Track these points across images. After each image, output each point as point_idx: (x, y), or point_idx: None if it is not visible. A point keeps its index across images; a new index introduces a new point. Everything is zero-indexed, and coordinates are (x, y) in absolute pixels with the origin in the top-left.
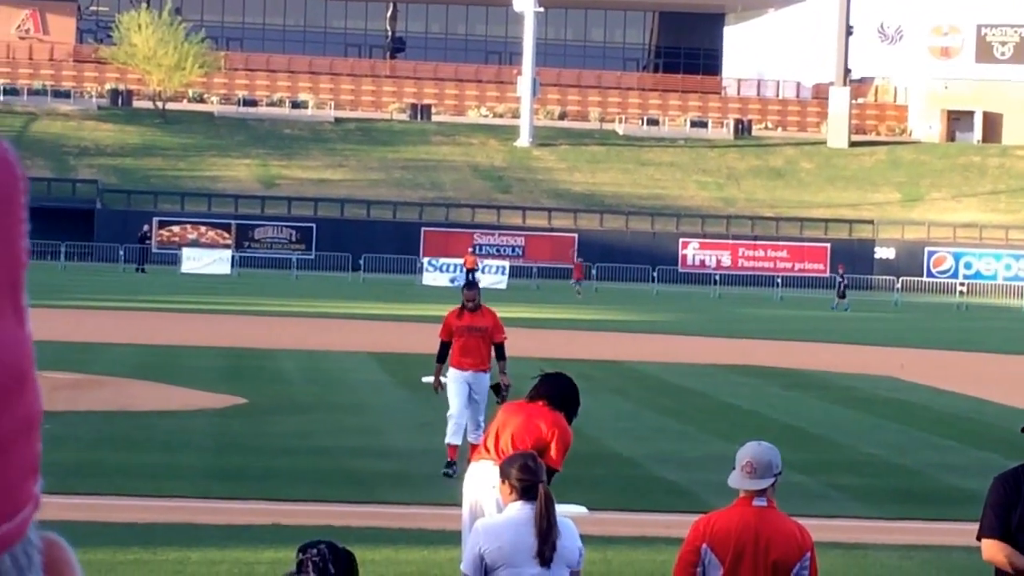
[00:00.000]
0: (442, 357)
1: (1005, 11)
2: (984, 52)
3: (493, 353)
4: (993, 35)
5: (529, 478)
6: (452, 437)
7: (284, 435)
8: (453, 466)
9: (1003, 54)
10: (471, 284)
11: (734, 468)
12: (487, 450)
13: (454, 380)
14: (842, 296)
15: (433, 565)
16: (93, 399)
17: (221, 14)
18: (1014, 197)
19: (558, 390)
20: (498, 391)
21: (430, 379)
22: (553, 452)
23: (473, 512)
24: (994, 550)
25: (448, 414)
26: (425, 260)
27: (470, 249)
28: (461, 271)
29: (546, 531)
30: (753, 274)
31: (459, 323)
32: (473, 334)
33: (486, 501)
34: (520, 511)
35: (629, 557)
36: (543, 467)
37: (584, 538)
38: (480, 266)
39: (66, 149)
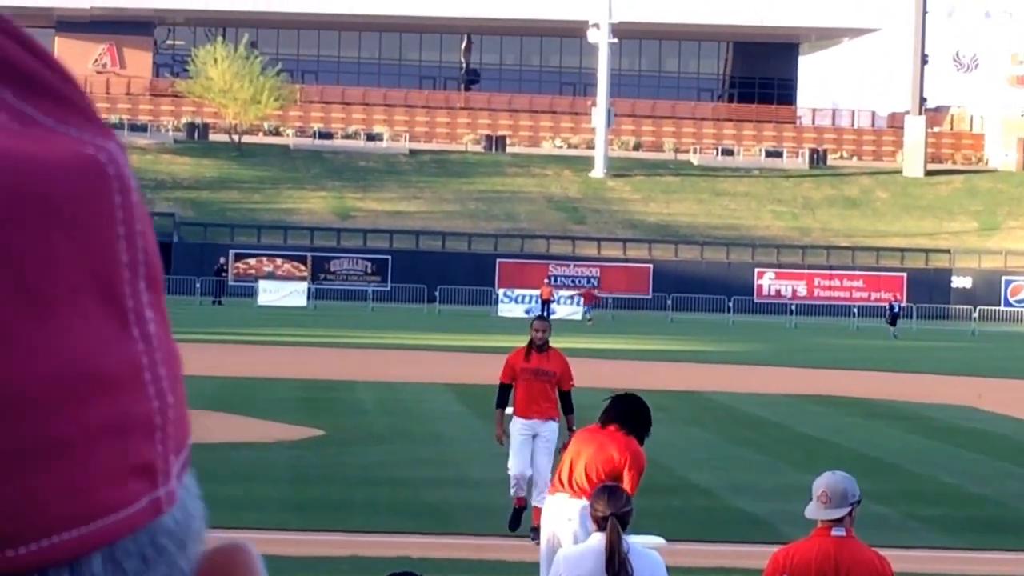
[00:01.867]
0: (502, 402)
1: None
2: None
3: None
4: None
5: (602, 510)
6: (516, 492)
7: (361, 466)
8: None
9: None
10: (543, 316)
11: (810, 499)
12: (561, 483)
13: (516, 431)
14: (892, 323)
15: None
16: None
17: (296, 47)
18: None
19: (629, 411)
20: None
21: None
22: (627, 479)
23: (551, 545)
24: None
25: (509, 472)
26: (500, 291)
27: (546, 280)
28: (537, 302)
29: (610, 563)
30: (829, 304)
31: (524, 366)
32: (539, 379)
33: (563, 533)
34: (598, 542)
35: None
36: (621, 498)
37: None
38: (556, 297)
39: (143, 183)
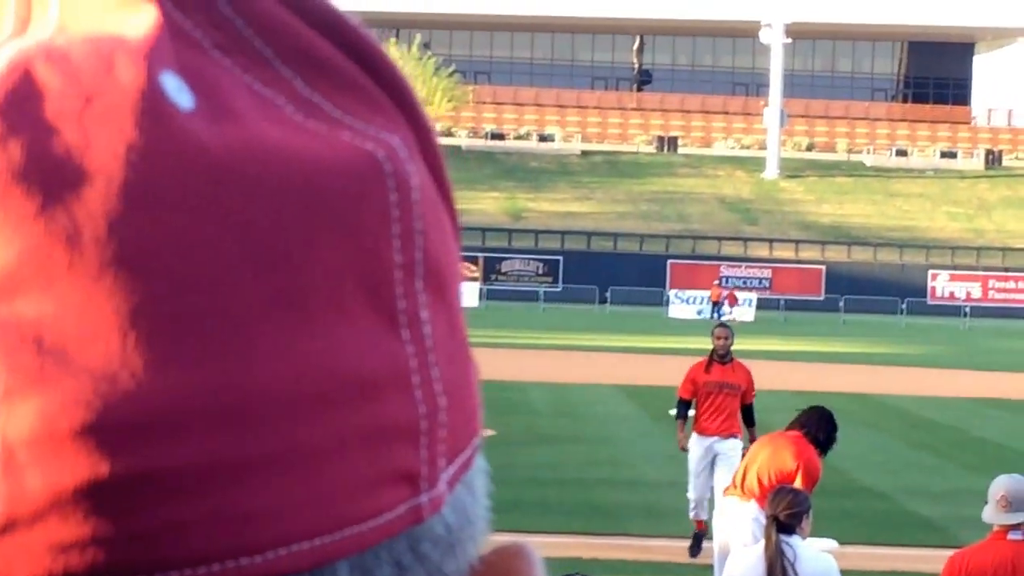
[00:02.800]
0: (683, 415)
1: None
2: None
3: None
4: None
5: (768, 511)
6: (695, 515)
7: (532, 466)
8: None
9: None
10: (724, 324)
11: (987, 502)
12: (735, 486)
13: (695, 452)
14: None
15: None
16: None
17: (469, 48)
18: None
19: (814, 418)
20: None
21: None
22: (799, 484)
23: (723, 549)
24: None
25: (688, 496)
26: (672, 292)
27: (716, 281)
28: (707, 303)
29: (771, 568)
30: (1004, 306)
31: (706, 378)
32: (723, 392)
33: (734, 536)
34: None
35: None
36: (784, 499)
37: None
38: (722, 299)
39: None
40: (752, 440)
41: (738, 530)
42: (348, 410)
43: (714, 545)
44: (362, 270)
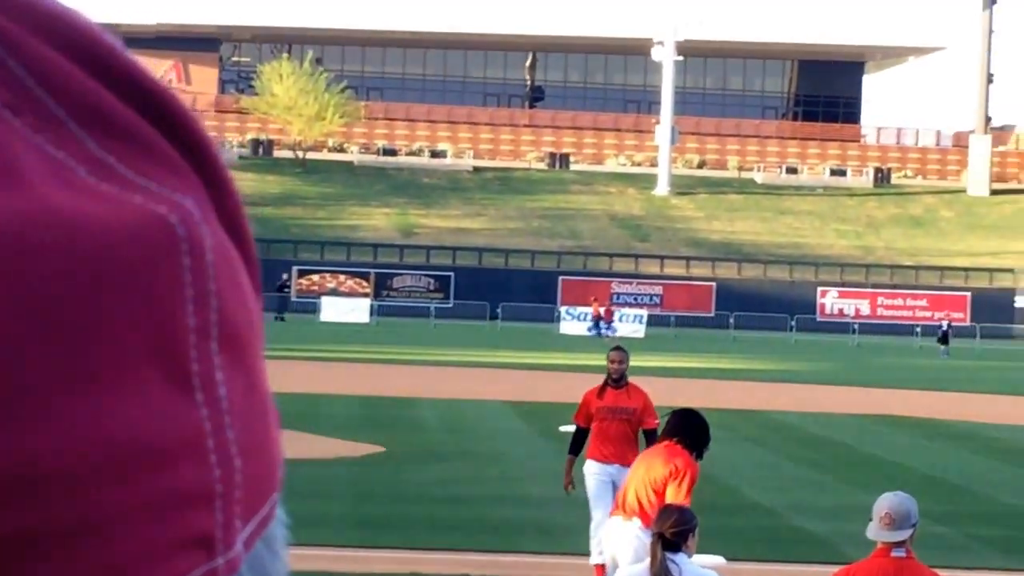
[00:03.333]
0: (576, 447)
1: None
2: None
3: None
4: None
5: (653, 529)
6: (598, 556)
7: (423, 483)
8: None
9: None
10: (620, 347)
11: (871, 519)
12: (617, 506)
13: (594, 476)
14: (944, 343)
15: None
16: None
17: (361, 64)
18: None
19: (684, 425)
20: None
21: (568, 428)
22: (675, 491)
23: (611, 566)
24: None
25: (592, 525)
26: (563, 309)
27: (593, 298)
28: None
29: None
30: (892, 323)
31: (600, 403)
32: (617, 417)
33: (620, 554)
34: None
35: None
36: (669, 518)
37: None
38: (600, 314)
39: None
40: None
41: (623, 548)
42: (140, 479)
43: (607, 564)
44: (154, 336)
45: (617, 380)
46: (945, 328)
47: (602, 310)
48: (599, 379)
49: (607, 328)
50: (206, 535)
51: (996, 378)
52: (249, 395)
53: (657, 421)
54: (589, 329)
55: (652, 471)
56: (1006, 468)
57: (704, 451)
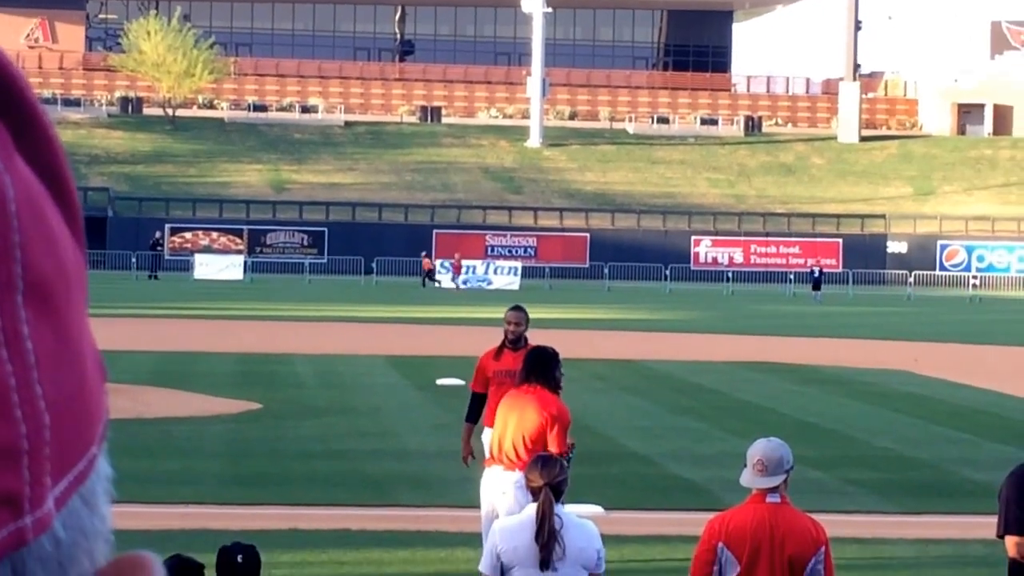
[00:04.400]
0: (474, 415)
1: (1018, 5)
2: (996, 45)
3: None
4: (1005, 28)
5: (536, 481)
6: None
7: (300, 439)
8: None
9: (1015, 47)
10: (518, 307)
11: (745, 466)
12: (493, 455)
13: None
14: (816, 288)
15: (451, 567)
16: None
17: (230, 20)
18: None
19: (537, 363)
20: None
21: (445, 382)
22: (553, 439)
23: (489, 517)
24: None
25: (483, 512)
26: (437, 262)
27: (424, 252)
28: (472, 273)
29: (539, 533)
30: (765, 271)
31: (496, 367)
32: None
33: (499, 505)
34: (533, 513)
35: (645, 556)
36: (555, 468)
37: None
38: (434, 267)
39: (77, 158)
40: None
41: (504, 499)
42: None
43: (481, 513)
44: None
45: (515, 342)
46: (817, 274)
47: (440, 262)
48: (473, 332)
49: (454, 279)
50: (12, 494)
51: (868, 323)
52: (60, 348)
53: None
54: (424, 284)
55: (526, 421)
56: (879, 412)
57: (561, 380)
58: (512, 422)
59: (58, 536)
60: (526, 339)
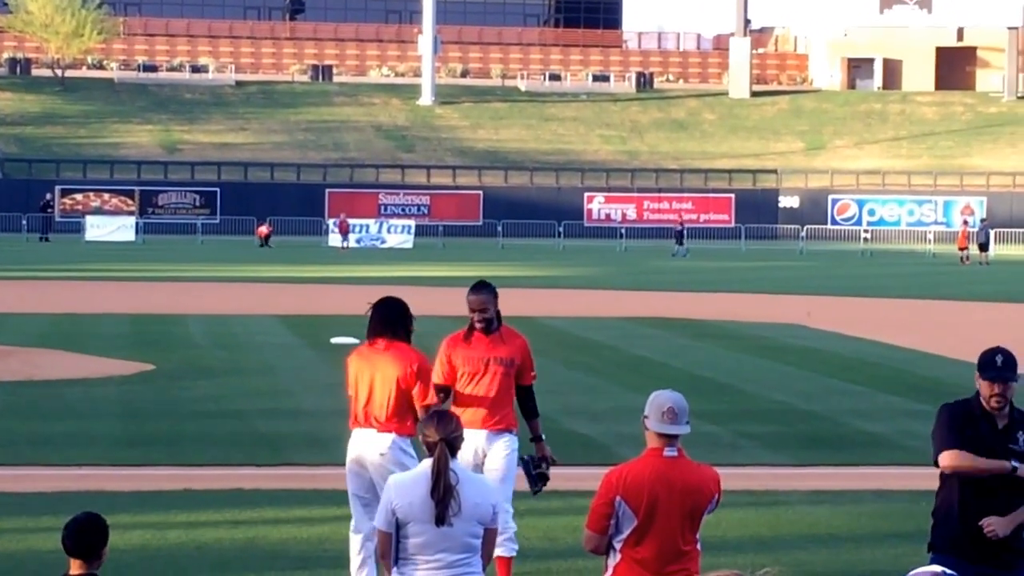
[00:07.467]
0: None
1: None
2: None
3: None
4: None
5: (432, 435)
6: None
7: (193, 400)
8: None
9: (904, 1)
10: (482, 285)
11: (647, 416)
12: (359, 419)
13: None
14: (680, 243)
15: (347, 524)
16: None
17: None
18: (915, 143)
19: (385, 317)
20: (533, 470)
21: (339, 340)
22: (419, 391)
23: (361, 478)
24: (956, 458)
25: (351, 472)
26: (330, 222)
27: (268, 220)
28: (366, 232)
29: (435, 488)
30: (658, 227)
31: (466, 351)
32: (488, 369)
33: (378, 466)
34: (427, 467)
35: (541, 511)
36: (451, 423)
37: None
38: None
39: None
40: (535, 437)
41: (382, 460)
42: None
43: (347, 473)
44: None
45: (486, 328)
46: (680, 229)
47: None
48: (366, 292)
49: (343, 239)
50: None
51: (761, 278)
52: None
53: (535, 375)
54: (261, 246)
55: (388, 379)
56: (772, 366)
57: (411, 332)
58: (378, 381)
59: None
60: (500, 319)
